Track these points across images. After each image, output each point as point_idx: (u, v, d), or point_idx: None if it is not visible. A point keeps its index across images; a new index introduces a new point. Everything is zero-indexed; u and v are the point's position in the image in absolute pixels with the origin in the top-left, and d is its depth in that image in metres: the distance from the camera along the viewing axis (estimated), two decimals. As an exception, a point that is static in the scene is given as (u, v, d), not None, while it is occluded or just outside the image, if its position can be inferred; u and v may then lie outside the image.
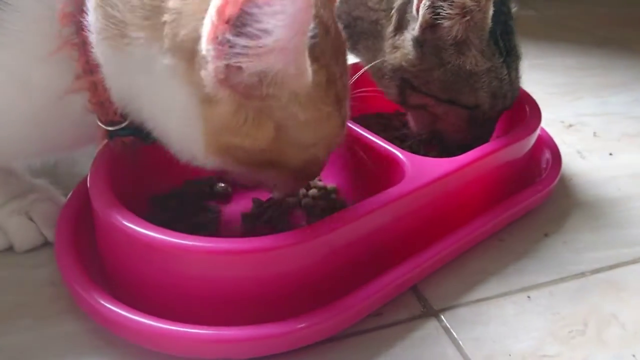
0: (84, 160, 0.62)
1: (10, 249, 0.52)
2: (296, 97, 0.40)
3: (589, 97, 0.96)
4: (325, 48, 0.42)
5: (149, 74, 0.41)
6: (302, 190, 0.60)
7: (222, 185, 0.60)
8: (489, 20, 0.57)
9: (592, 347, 0.48)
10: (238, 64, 0.36)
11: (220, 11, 0.34)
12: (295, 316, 0.43)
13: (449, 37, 0.57)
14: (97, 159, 0.49)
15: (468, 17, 0.56)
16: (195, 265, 0.43)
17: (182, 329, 0.41)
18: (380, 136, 0.60)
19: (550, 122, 0.85)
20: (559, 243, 0.60)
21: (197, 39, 0.37)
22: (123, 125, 0.47)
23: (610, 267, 0.58)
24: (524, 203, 0.62)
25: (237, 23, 0.35)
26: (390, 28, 0.61)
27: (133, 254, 0.44)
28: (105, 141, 0.50)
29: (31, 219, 0.53)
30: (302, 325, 0.43)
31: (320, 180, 0.62)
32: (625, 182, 0.73)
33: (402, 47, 0.60)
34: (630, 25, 1.44)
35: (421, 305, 0.51)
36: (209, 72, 0.37)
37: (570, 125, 0.86)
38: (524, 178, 0.66)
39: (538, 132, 0.65)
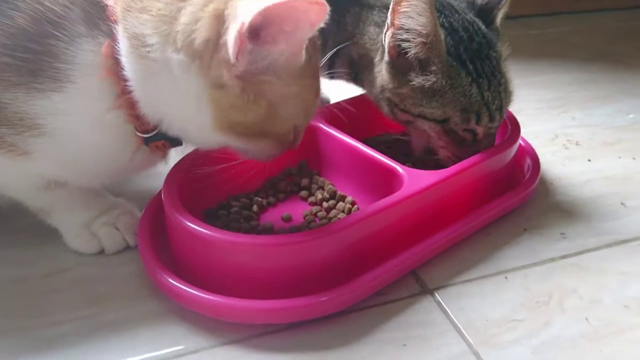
0: (146, 183, 0.79)
1: (101, 252, 0.68)
2: (290, 75, 0.53)
3: (575, 111, 1.09)
4: None
5: (166, 71, 0.52)
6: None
7: (259, 199, 0.75)
8: (442, 41, 0.68)
9: (553, 313, 0.61)
10: (257, 64, 0.50)
11: (247, 30, 0.47)
12: (319, 292, 0.58)
13: (413, 58, 0.70)
14: (167, 181, 0.65)
15: (423, 40, 0.68)
16: (243, 255, 0.58)
17: (234, 302, 0.56)
18: (390, 152, 0.75)
19: (539, 134, 0.98)
20: (535, 236, 0.73)
21: (208, 43, 0.50)
22: (155, 132, 0.59)
23: (577, 254, 0.70)
24: (506, 203, 0.75)
25: (259, 32, 0.48)
26: (378, 57, 0.75)
27: (197, 248, 0.60)
28: (174, 165, 0.66)
29: (117, 228, 0.68)
30: (325, 298, 0.58)
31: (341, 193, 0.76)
32: (599, 184, 0.85)
33: (382, 70, 0.74)
34: (627, 39, 1.54)
35: (419, 285, 0.65)
36: (229, 70, 0.50)
37: (556, 136, 0.99)
38: (508, 182, 0.79)
39: (517, 145, 0.78)
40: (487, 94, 0.71)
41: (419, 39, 0.68)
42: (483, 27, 0.73)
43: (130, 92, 0.55)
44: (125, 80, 0.55)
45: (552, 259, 0.69)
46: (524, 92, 1.16)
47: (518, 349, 0.57)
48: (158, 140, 0.60)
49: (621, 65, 1.34)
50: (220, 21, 0.50)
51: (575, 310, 0.62)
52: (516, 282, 0.66)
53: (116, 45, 0.54)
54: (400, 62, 0.71)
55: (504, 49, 0.75)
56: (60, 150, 0.58)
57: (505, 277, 0.66)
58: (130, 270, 0.66)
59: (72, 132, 0.57)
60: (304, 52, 0.52)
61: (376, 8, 0.78)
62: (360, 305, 0.61)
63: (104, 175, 0.67)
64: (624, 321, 0.61)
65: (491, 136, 0.76)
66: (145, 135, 0.60)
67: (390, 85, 0.73)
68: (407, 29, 0.68)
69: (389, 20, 0.69)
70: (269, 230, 0.70)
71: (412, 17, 0.66)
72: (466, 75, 0.70)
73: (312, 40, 0.56)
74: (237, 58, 0.49)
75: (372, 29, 0.76)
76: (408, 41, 0.69)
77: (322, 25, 0.49)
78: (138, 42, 0.52)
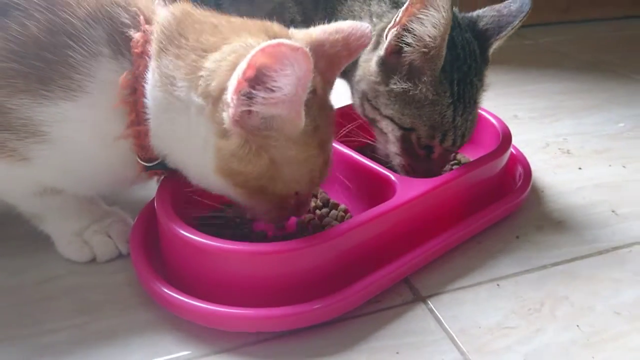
0: (139, 191, 0.79)
1: (93, 260, 0.68)
2: (290, 139, 0.55)
3: (566, 119, 1.10)
4: (313, 103, 0.56)
5: (185, 111, 0.56)
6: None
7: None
8: (442, 57, 0.68)
9: (545, 321, 0.61)
10: (253, 110, 0.52)
11: (244, 73, 0.50)
12: (312, 300, 0.58)
13: (406, 62, 0.69)
14: (160, 189, 0.65)
15: (426, 50, 0.68)
16: (235, 263, 0.59)
17: (226, 310, 0.56)
18: (382, 161, 0.75)
19: (530, 142, 1.00)
20: (527, 243, 0.74)
21: (222, 89, 0.53)
22: (157, 162, 0.62)
23: (568, 261, 0.71)
24: (498, 211, 0.75)
25: (258, 81, 0.50)
26: (369, 47, 0.74)
27: (190, 255, 0.60)
28: (164, 177, 0.66)
29: (109, 237, 0.68)
30: (318, 306, 0.57)
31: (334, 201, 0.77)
32: (590, 192, 0.86)
33: (370, 60, 0.73)
34: (616, 49, 1.57)
35: (412, 293, 0.65)
36: (228, 114, 0.52)
37: (547, 145, 1.00)
38: (500, 190, 0.79)
39: (507, 155, 0.79)
40: (458, 119, 0.71)
41: (422, 49, 0.68)
42: (478, 50, 0.73)
43: (139, 123, 0.58)
44: (138, 112, 0.58)
45: (544, 267, 0.70)
46: (517, 100, 1.18)
47: (510, 356, 0.57)
48: (158, 169, 0.63)
49: (610, 74, 1.36)
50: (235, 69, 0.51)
51: (566, 317, 0.62)
52: (508, 289, 0.66)
53: (138, 76, 0.57)
54: (391, 61, 0.71)
55: (486, 79, 0.76)
56: (62, 158, 0.59)
57: (498, 285, 0.67)
58: (122, 279, 0.66)
59: (76, 141, 0.59)
60: (302, 116, 0.53)
61: None
62: (354, 313, 0.61)
63: (101, 186, 0.67)
64: (615, 328, 0.61)
65: (446, 159, 0.76)
66: (147, 164, 0.62)
67: (372, 78, 0.72)
68: (414, 34, 0.67)
69: (397, 17, 0.68)
70: (262, 238, 0.70)
71: (425, 26, 0.66)
72: (449, 95, 0.70)
73: (321, 114, 0.58)
74: (232, 98, 0.51)
75: (367, 21, 0.76)
76: (410, 45, 0.68)
77: (310, 86, 0.51)
78: (168, 81, 0.56)
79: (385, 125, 0.73)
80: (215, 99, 0.53)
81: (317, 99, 0.58)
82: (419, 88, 0.69)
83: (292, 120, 0.54)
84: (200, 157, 0.57)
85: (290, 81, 0.50)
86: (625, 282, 0.68)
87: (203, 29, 0.57)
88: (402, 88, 0.70)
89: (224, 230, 0.70)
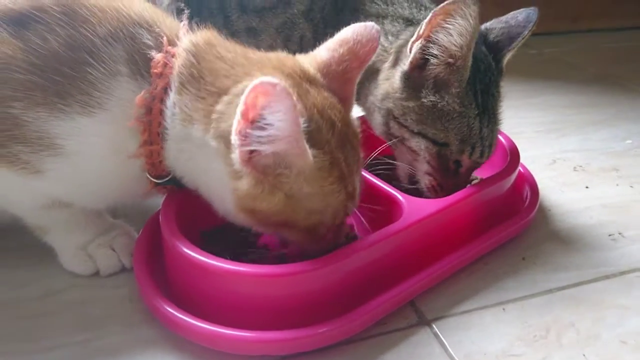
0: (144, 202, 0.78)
1: (96, 273, 0.67)
2: (302, 175, 0.54)
3: (573, 135, 1.09)
4: (329, 139, 0.56)
5: (204, 149, 0.56)
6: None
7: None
8: (468, 68, 0.68)
9: (551, 349, 0.61)
10: (255, 149, 0.51)
11: (244, 114, 0.50)
12: (317, 323, 0.57)
13: (432, 76, 0.69)
14: (165, 203, 0.64)
15: (452, 61, 0.67)
16: (239, 284, 0.58)
17: (230, 332, 0.56)
18: (392, 175, 0.75)
19: (537, 158, 0.99)
20: (533, 265, 0.73)
21: (230, 131, 0.52)
22: (167, 179, 0.62)
23: (575, 285, 0.70)
24: (505, 232, 0.75)
25: (253, 119, 0.50)
26: (388, 64, 0.74)
27: (195, 275, 0.59)
28: (169, 190, 0.65)
29: (113, 250, 0.67)
30: (323, 330, 0.57)
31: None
32: (597, 212, 0.85)
33: (392, 77, 0.73)
34: (624, 61, 1.56)
35: (417, 316, 0.64)
36: (236, 155, 0.52)
37: (554, 161, 0.99)
38: (507, 210, 0.79)
39: (515, 174, 0.78)
40: (485, 130, 0.71)
41: (447, 59, 0.67)
42: (493, 63, 0.73)
43: (152, 143, 0.58)
44: (152, 131, 0.58)
45: (550, 290, 0.69)
46: (523, 114, 1.17)
47: (516, 385, 0.57)
48: (167, 184, 0.63)
49: (617, 88, 1.35)
50: None
51: (572, 345, 0.62)
52: (514, 314, 0.65)
53: (155, 96, 0.57)
54: (415, 75, 0.70)
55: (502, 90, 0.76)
56: (74, 172, 0.59)
57: (503, 309, 0.66)
58: (124, 293, 0.65)
59: (90, 156, 0.59)
60: (307, 152, 0.52)
61: (388, 17, 0.77)
62: (359, 336, 0.60)
63: (111, 200, 0.67)
64: (621, 358, 0.60)
65: (471, 173, 0.76)
66: (158, 181, 0.62)
67: (398, 95, 0.71)
68: (439, 45, 0.67)
69: (420, 30, 0.68)
70: (265, 253, 0.69)
71: (451, 35, 0.65)
72: (475, 107, 0.70)
73: (340, 148, 0.57)
74: (234, 139, 0.51)
75: (381, 39, 0.75)
76: (436, 57, 0.68)
77: (301, 122, 0.50)
78: (187, 118, 0.57)
79: (417, 143, 0.72)
80: (227, 140, 0.53)
81: (336, 133, 0.57)
82: (446, 100, 0.69)
83: (298, 156, 0.53)
84: (221, 195, 0.58)
85: (279, 117, 0.49)
86: (631, 309, 0.67)
87: (219, 71, 0.57)
88: (431, 101, 0.69)
89: (227, 245, 0.69)
